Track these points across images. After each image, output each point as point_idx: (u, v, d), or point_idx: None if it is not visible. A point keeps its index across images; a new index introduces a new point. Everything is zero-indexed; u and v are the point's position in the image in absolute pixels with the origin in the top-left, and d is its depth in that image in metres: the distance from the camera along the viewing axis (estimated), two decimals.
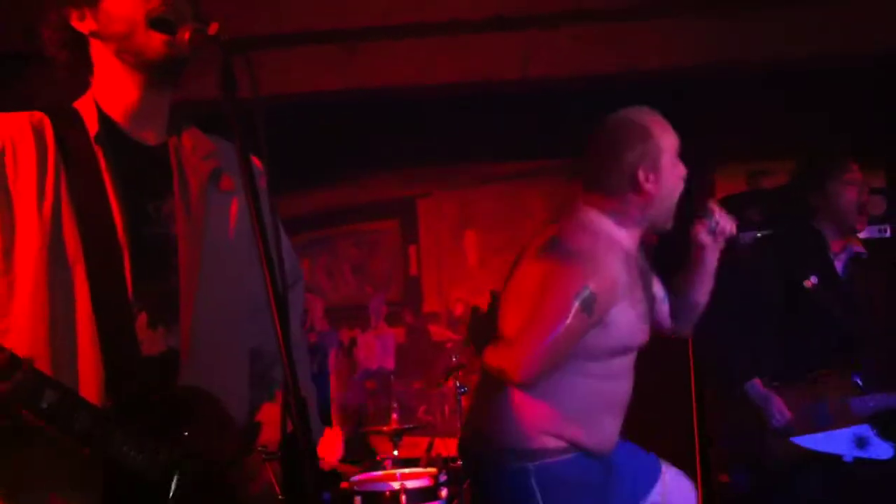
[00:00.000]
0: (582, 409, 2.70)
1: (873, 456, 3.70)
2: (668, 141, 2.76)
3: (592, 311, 2.57)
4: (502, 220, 6.76)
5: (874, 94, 5.59)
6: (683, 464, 4.48)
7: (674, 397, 4.54)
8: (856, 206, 3.87)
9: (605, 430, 2.75)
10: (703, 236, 2.89)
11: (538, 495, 2.66)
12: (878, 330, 3.93)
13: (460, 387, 5.31)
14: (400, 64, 4.97)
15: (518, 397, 2.71)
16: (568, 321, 2.55)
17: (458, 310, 6.96)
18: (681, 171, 2.78)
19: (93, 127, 1.81)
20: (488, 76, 4.99)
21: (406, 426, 5.28)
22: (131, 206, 1.79)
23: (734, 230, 2.92)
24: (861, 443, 3.71)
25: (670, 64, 4.93)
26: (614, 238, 2.72)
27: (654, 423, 4.60)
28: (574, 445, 2.70)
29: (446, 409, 6.83)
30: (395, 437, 5.14)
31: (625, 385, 2.79)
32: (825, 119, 5.90)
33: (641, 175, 2.70)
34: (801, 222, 3.97)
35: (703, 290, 2.98)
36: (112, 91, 1.85)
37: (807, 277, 3.83)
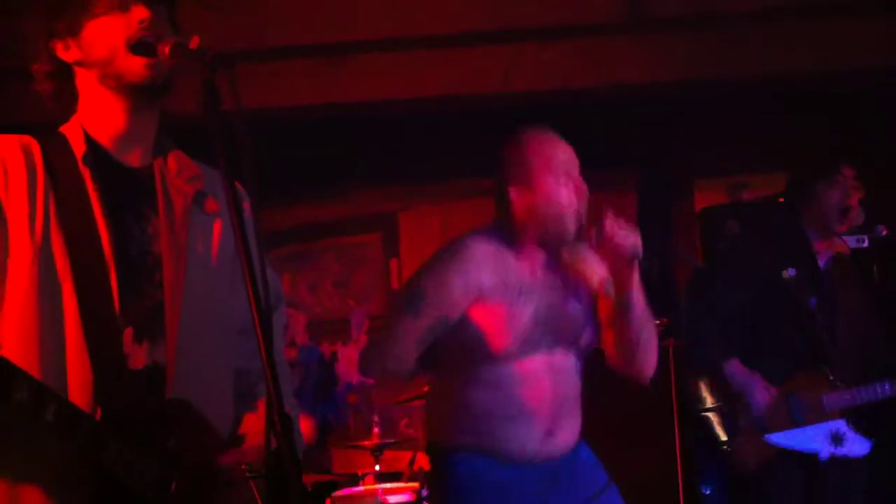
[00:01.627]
0: (481, 416, 2.76)
1: (850, 453, 3.67)
2: (543, 157, 2.81)
3: (419, 308, 2.73)
4: None
5: (852, 109, 5.64)
6: (667, 476, 4.50)
7: (656, 409, 4.56)
8: (837, 207, 3.84)
9: (511, 437, 2.75)
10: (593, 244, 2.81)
11: (446, 485, 2.85)
12: (852, 327, 3.92)
13: None
14: (382, 78, 4.97)
15: (440, 399, 2.96)
16: (400, 316, 2.79)
17: None
18: (567, 186, 2.79)
19: (80, 149, 1.86)
20: (471, 90, 5.00)
21: (388, 440, 5.27)
22: (117, 226, 1.84)
23: (626, 242, 2.70)
24: (837, 439, 3.67)
25: (651, 79, 4.96)
26: (475, 249, 2.78)
27: (638, 438, 4.61)
28: (482, 448, 2.77)
29: None
30: (377, 452, 5.13)
31: (527, 392, 2.75)
32: (805, 133, 5.94)
33: (511, 190, 2.80)
34: (788, 221, 3.97)
35: (621, 322, 2.80)
36: (98, 116, 1.90)
37: (786, 269, 3.81)
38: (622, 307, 2.79)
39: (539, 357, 2.76)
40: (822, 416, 3.69)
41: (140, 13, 1.81)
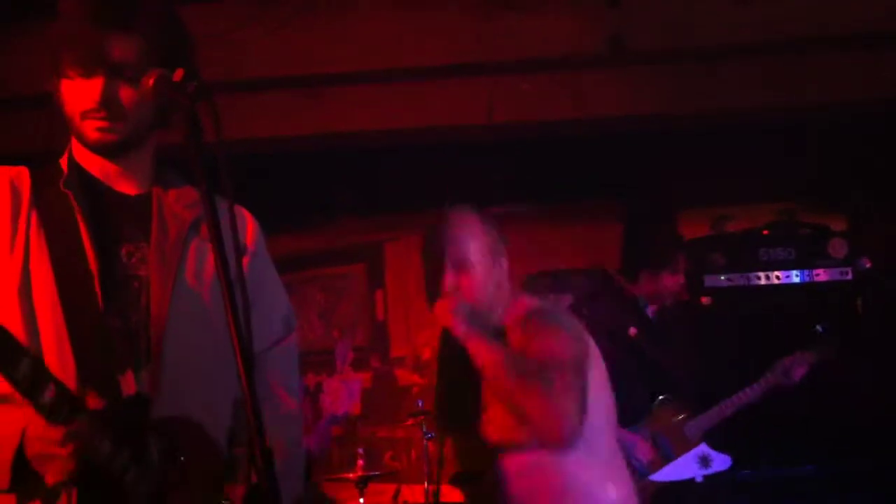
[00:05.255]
0: None
1: (718, 469, 4.17)
2: None
3: None
4: None
5: (836, 140, 5.69)
6: None
7: None
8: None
9: None
10: None
11: None
12: (683, 362, 4.39)
13: (426, 432, 5.27)
14: (365, 110, 4.97)
15: None
16: None
17: (426, 354, 6.92)
18: None
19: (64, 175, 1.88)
20: (453, 122, 5.01)
21: (372, 473, 5.24)
22: (104, 249, 1.83)
23: None
24: (704, 461, 4.16)
25: (632, 111, 4.98)
26: None
27: None
28: None
29: (413, 454, 6.76)
30: (361, 484, 5.09)
31: None
32: (789, 164, 5.99)
33: None
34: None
35: None
36: (85, 150, 1.92)
37: (628, 328, 4.32)
38: None
39: None
40: (687, 445, 4.18)
41: (95, 89, 1.81)
